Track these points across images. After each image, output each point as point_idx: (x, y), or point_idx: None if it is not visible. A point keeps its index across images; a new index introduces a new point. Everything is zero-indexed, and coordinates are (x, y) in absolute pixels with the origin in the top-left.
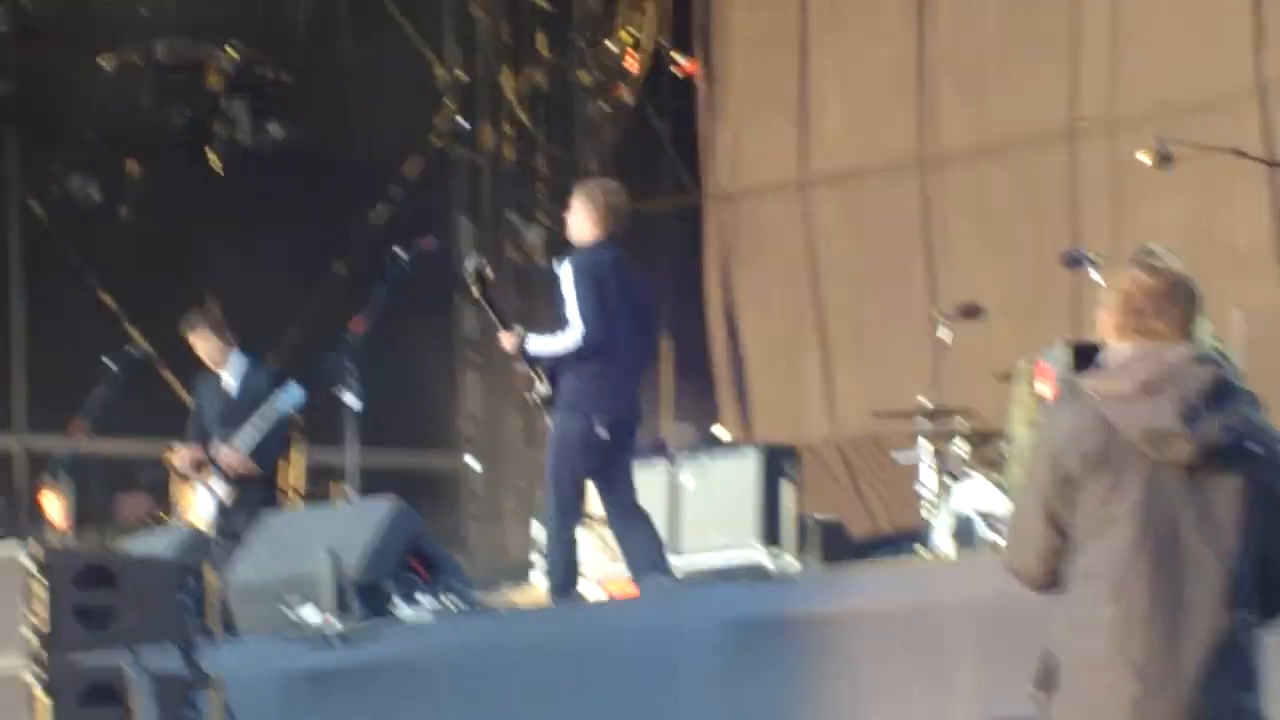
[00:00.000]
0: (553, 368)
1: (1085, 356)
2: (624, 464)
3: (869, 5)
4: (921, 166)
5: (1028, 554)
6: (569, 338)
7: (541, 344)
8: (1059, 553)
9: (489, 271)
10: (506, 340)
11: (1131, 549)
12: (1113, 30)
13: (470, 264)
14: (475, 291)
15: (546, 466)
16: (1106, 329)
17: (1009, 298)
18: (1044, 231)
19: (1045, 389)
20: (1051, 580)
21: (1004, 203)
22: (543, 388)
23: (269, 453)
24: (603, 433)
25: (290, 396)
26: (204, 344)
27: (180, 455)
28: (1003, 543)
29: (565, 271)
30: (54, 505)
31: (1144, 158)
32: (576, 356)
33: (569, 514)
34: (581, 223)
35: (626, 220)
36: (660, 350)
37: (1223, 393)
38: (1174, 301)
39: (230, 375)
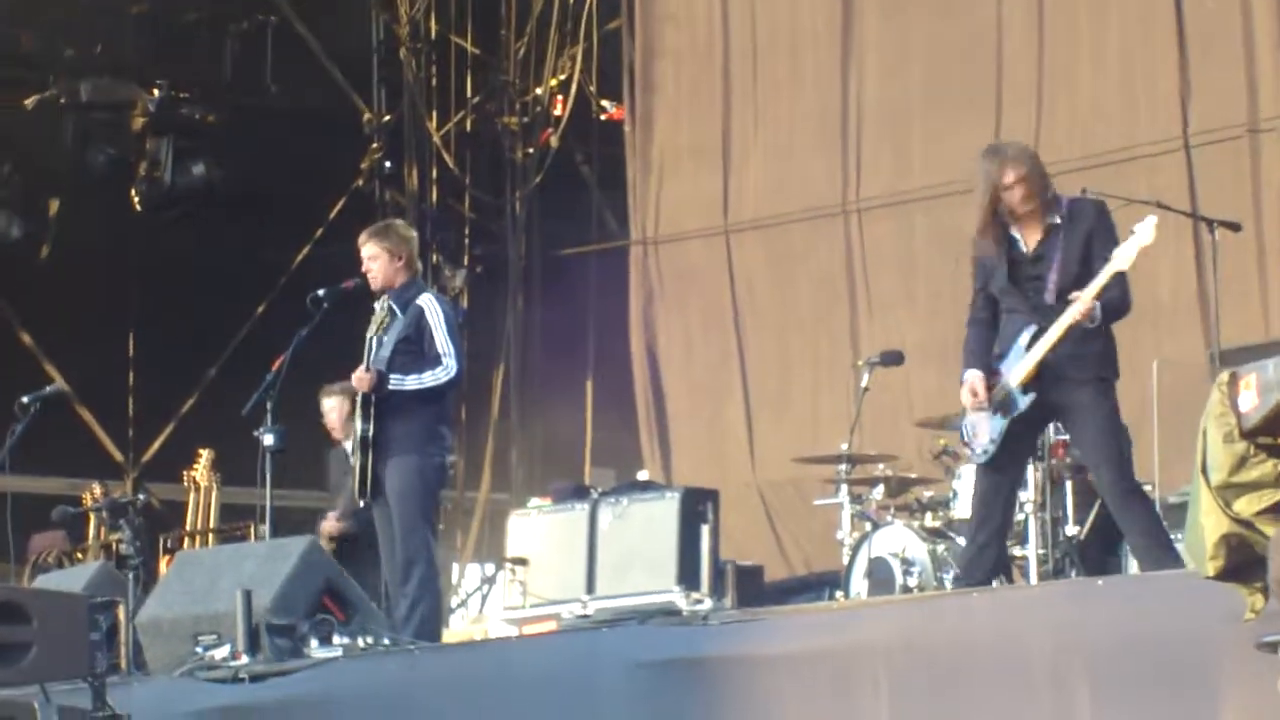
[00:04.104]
0: (388, 409)
1: None
2: None
3: (793, 55)
4: (845, 214)
5: None
6: (442, 373)
7: (414, 382)
8: None
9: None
10: (362, 379)
11: None
12: (1037, 82)
13: (321, 293)
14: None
15: (408, 507)
16: None
17: (931, 345)
18: (966, 280)
19: (1250, 401)
20: None
21: (926, 251)
22: (367, 427)
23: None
24: (450, 470)
25: None
26: (337, 413)
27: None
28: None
29: (431, 306)
30: None
31: None
32: (443, 391)
33: (435, 549)
34: (396, 266)
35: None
36: (585, 393)
37: None
38: None
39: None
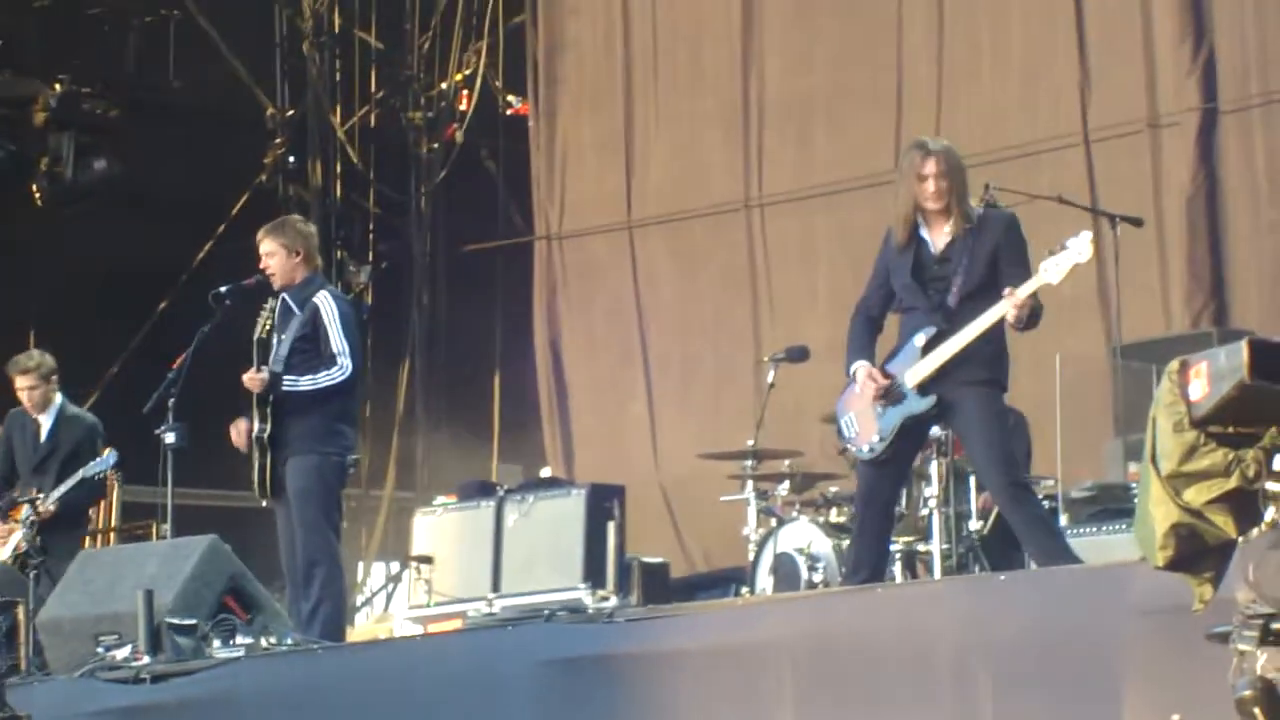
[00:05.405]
0: (286, 408)
1: (1266, 356)
2: None
3: (694, 50)
4: (747, 210)
5: None
6: (338, 373)
7: (308, 382)
8: None
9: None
10: (253, 379)
11: None
12: (938, 79)
13: (223, 289)
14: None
15: (308, 507)
16: None
17: (833, 341)
18: (867, 277)
19: (1200, 390)
20: None
21: (828, 247)
22: (264, 427)
23: (76, 504)
24: (352, 469)
25: (103, 464)
26: (29, 390)
27: None
28: (1272, 566)
29: (326, 304)
30: None
31: None
32: (336, 391)
33: (338, 549)
34: (294, 262)
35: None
36: (491, 390)
37: None
38: None
39: (47, 421)
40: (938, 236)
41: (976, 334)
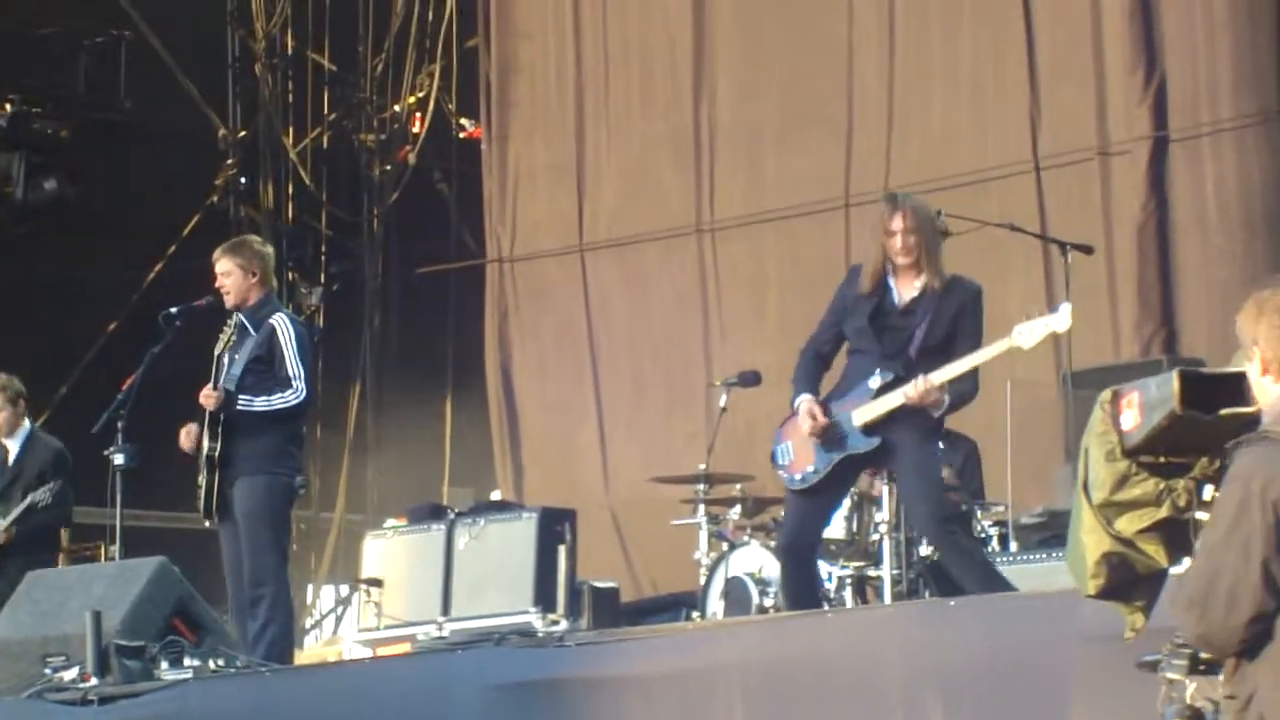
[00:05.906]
0: (238, 428)
1: (1197, 386)
2: None
3: (644, 74)
4: (698, 234)
5: (1235, 617)
6: (292, 396)
7: (262, 403)
8: (1267, 615)
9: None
10: (209, 397)
11: None
12: (889, 104)
13: (174, 310)
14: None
15: (257, 528)
16: (1270, 366)
17: (782, 366)
18: (818, 303)
19: (1131, 420)
20: (1248, 644)
21: (778, 272)
22: (213, 445)
23: (33, 530)
24: (301, 491)
25: (44, 493)
26: (6, 413)
27: None
28: (1180, 604)
29: (283, 326)
30: None
31: None
32: (289, 414)
33: (285, 570)
34: (249, 283)
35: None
36: (443, 413)
37: None
38: None
39: (14, 446)
40: (904, 288)
41: (903, 402)
